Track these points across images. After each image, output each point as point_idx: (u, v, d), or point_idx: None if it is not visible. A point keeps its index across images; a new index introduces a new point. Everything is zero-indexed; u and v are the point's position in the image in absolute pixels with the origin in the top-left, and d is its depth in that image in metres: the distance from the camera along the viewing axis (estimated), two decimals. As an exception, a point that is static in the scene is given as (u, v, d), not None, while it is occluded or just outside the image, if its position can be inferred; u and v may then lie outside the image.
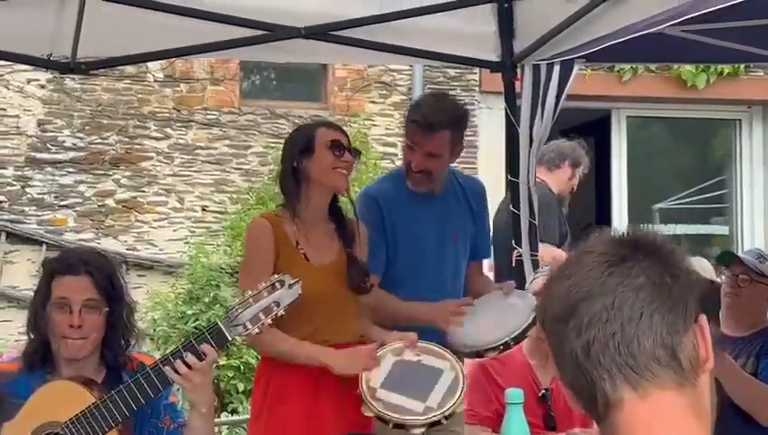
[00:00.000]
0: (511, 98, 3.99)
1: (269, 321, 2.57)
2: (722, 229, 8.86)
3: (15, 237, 7.31)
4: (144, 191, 7.58)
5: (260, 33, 3.76)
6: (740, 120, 8.71)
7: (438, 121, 3.25)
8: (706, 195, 8.75)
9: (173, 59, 6.66)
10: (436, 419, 2.81)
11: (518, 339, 3.11)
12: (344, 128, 3.28)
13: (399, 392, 2.86)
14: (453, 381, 2.90)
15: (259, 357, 3.30)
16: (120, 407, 2.46)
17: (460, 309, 3.20)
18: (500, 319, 3.17)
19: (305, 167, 3.05)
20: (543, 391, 3.19)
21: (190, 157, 7.67)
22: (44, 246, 7.23)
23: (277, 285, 2.59)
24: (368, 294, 3.16)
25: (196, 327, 6.26)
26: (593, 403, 1.16)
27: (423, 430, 2.82)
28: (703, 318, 1.20)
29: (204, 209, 7.67)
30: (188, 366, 2.48)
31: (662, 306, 1.15)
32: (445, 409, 2.81)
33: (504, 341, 3.09)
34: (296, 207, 3.07)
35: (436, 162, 3.31)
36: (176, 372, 2.48)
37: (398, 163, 7.61)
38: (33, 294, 2.70)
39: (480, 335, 3.15)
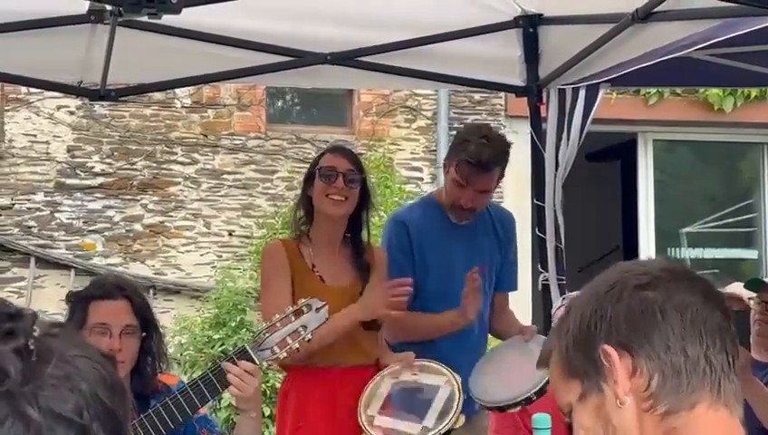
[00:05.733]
0: (536, 122, 3.99)
1: (296, 345, 2.58)
2: (750, 253, 8.77)
3: (44, 262, 7.38)
4: (171, 216, 7.63)
5: (286, 59, 3.79)
6: (767, 143, 8.65)
7: (492, 160, 3.31)
8: (734, 218, 8.67)
9: (200, 85, 6.72)
10: None
11: (541, 392, 3.03)
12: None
13: (396, 417, 2.90)
14: (449, 397, 2.92)
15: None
16: (157, 428, 2.48)
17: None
18: (522, 371, 3.07)
19: (311, 193, 3.14)
20: (571, 416, 3.15)
21: (217, 182, 7.72)
22: (73, 271, 7.30)
23: (304, 309, 2.60)
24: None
25: (223, 351, 6.27)
26: None
27: None
28: None
29: (230, 234, 7.71)
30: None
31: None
32: (441, 427, 2.84)
33: (526, 396, 3.05)
34: (308, 232, 3.15)
35: (484, 198, 3.40)
36: (235, 376, 2.48)
37: (424, 187, 7.62)
38: (63, 320, 2.72)
39: (502, 391, 3.11)
